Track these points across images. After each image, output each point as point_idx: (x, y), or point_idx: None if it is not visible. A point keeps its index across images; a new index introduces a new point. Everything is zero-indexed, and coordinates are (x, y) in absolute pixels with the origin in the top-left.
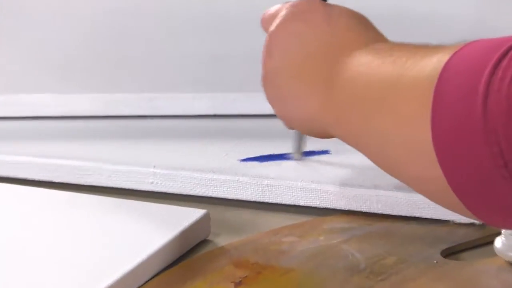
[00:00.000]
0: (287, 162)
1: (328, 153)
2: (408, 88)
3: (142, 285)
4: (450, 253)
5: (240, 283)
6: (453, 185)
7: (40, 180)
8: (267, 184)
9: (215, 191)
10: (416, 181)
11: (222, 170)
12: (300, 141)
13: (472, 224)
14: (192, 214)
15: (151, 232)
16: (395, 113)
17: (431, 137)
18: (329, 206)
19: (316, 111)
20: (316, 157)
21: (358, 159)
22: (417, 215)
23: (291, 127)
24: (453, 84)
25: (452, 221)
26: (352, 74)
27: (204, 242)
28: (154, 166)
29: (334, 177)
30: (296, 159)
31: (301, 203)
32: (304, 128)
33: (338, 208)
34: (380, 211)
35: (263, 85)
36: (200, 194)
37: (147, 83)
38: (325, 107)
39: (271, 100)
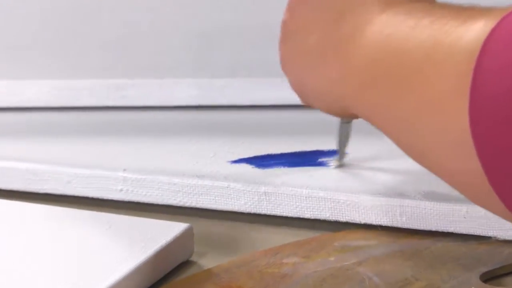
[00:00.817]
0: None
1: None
2: (443, 59)
3: None
4: (491, 277)
5: None
6: (493, 181)
7: None
8: (265, 192)
9: (200, 201)
10: (447, 173)
11: (209, 174)
12: (345, 140)
13: None
14: (171, 229)
15: (120, 252)
16: (426, 91)
17: (468, 123)
18: (341, 219)
19: (334, 81)
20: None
21: (377, 161)
22: (451, 230)
23: (306, 102)
24: (499, 59)
25: (495, 237)
26: (377, 37)
27: (186, 263)
28: (124, 170)
29: (347, 183)
30: (335, 166)
31: (307, 215)
32: (320, 102)
33: (352, 221)
34: (405, 225)
35: (280, 47)
36: (181, 204)
37: (116, 67)
38: (344, 77)
39: (286, 65)
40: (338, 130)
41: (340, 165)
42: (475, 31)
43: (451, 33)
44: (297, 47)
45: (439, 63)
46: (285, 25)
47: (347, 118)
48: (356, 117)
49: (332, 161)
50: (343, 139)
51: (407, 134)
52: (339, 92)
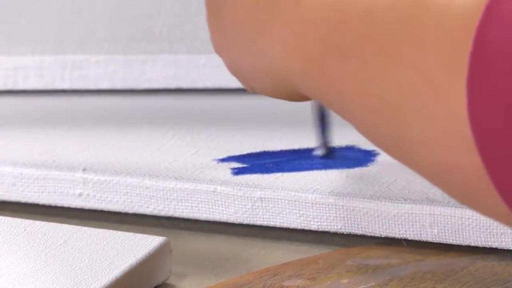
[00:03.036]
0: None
1: (356, 150)
2: (431, 24)
3: None
4: None
5: None
6: (496, 181)
7: None
8: (260, 197)
9: (179, 209)
10: (436, 169)
11: (190, 175)
12: (324, 125)
13: None
14: (142, 245)
15: (78, 273)
16: (414, 61)
17: (466, 108)
18: (356, 232)
19: (278, 56)
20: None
21: None
22: (495, 245)
23: (248, 86)
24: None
25: None
26: None
27: (162, 287)
28: (84, 170)
29: (364, 186)
30: (321, 154)
31: (314, 226)
32: (263, 85)
33: (370, 234)
34: (436, 239)
35: (208, 23)
36: (155, 213)
37: (71, 39)
38: (291, 48)
39: (217, 44)
40: (312, 109)
41: (326, 153)
42: None
43: None
44: (227, 21)
45: (427, 27)
46: None
47: (297, 101)
48: (309, 99)
49: (317, 149)
50: (320, 120)
51: (384, 120)
52: (285, 69)
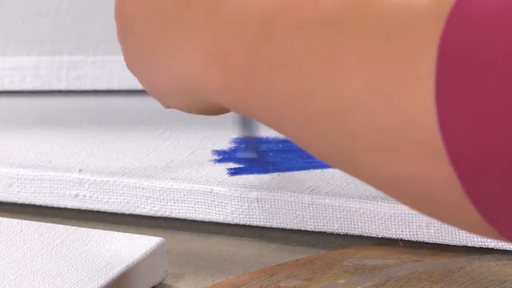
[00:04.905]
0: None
1: None
2: (385, 26)
3: None
4: None
5: None
6: (471, 191)
7: None
8: (257, 198)
9: (175, 209)
10: (392, 181)
11: (187, 176)
12: (248, 127)
13: None
14: (139, 245)
15: (74, 274)
16: (360, 70)
17: (434, 107)
18: (352, 232)
19: (195, 71)
20: None
21: None
22: (492, 245)
23: (167, 105)
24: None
25: None
26: None
27: (158, 287)
28: (80, 170)
29: (360, 186)
30: (250, 158)
31: (310, 227)
32: (179, 101)
33: (366, 234)
34: (433, 240)
35: (120, 43)
36: (152, 213)
37: (68, 39)
38: (208, 62)
39: (131, 63)
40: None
41: (253, 157)
42: None
43: None
44: (138, 40)
45: (375, 35)
46: (118, 14)
47: (216, 114)
48: (228, 111)
49: (241, 152)
50: (245, 123)
51: (328, 133)
52: (202, 84)
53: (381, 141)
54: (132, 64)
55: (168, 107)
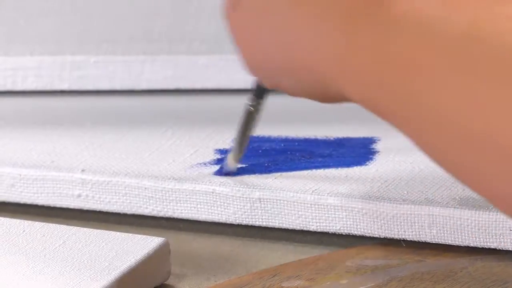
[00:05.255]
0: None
1: (355, 149)
2: None
3: None
4: None
5: None
6: None
7: None
8: (259, 198)
9: (177, 209)
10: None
11: (189, 176)
12: (245, 132)
13: None
14: (141, 245)
15: (77, 274)
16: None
17: None
18: (355, 232)
19: (329, 53)
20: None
21: (399, 157)
22: (494, 246)
23: (274, 84)
24: None
25: None
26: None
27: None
28: (83, 170)
29: (363, 186)
30: (230, 171)
31: (313, 227)
32: (292, 85)
33: (369, 235)
34: (435, 240)
35: (228, 11)
36: (154, 213)
37: (70, 39)
38: (347, 53)
39: (243, 35)
40: (242, 117)
41: (234, 167)
42: None
43: None
44: (259, 12)
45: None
46: None
47: (325, 101)
48: (350, 101)
49: (227, 161)
50: (244, 130)
51: (451, 143)
52: (330, 69)
53: (495, 155)
54: (240, 37)
55: (272, 86)
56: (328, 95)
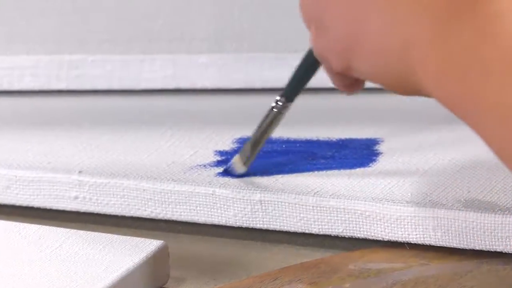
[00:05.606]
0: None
1: (358, 150)
2: None
3: None
4: None
5: None
6: None
7: None
8: (260, 200)
9: (176, 212)
10: None
11: (189, 177)
12: (263, 134)
13: None
14: (140, 248)
15: (74, 277)
16: None
17: None
18: (358, 235)
19: (421, 43)
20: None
21: (403, 159)
22: (500, 249)
23: (346, 66)
24: None
25: None
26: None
27: None
28: (80, 172)
29: (366, 188)
30: (238, 173)
31: (315, 230)
32: (371, 70)
33: (372, 237)
34: (440, 243)
35: None
36: (153, 216)
37: (68, 38)
38: (432, 50)
39: (317, 10)
40: (264, 119)
41: (244, 168)
42: None
43: None
44: None
45: None
46: None
47: (404, 94)
48: (426, 95)
49: (235, 163)
50: (263, 133)
51: None
52: (419, 60)
53: None
54: (318, 12)
55: (344, 68)
56: (409, 88)
